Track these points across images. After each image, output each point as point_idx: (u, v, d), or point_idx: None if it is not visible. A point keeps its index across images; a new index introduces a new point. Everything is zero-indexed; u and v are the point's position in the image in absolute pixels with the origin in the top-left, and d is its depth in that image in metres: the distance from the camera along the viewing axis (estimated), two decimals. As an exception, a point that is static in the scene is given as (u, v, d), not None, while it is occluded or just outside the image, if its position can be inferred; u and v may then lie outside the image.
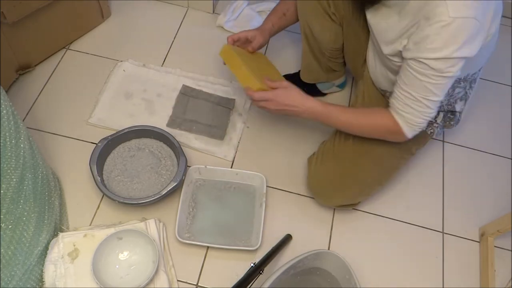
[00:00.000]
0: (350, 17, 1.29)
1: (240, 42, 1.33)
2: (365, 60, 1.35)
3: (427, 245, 1.39)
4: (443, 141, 1.60)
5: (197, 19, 1.78)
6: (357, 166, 1.28)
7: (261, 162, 1.46)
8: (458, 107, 1.24)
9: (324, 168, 1.32)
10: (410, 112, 1.08)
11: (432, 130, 1.27)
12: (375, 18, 1.16)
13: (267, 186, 1.38)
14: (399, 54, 1.08)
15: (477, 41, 0.97)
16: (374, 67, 1.27)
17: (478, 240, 1.41)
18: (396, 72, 1.13)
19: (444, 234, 1.42)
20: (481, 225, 1.43)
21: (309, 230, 1.37)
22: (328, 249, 1.34)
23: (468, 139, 1.61)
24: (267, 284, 1.07)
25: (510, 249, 1.41)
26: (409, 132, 1.12)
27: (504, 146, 1.61)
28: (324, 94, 1.63)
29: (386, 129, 1.14)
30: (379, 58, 1.22)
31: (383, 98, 1.31)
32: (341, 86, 1.63)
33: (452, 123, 1.28)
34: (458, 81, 1.14)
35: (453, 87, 1.16)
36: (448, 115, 1.27)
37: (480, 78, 1.74)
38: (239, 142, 1.50)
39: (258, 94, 1.16)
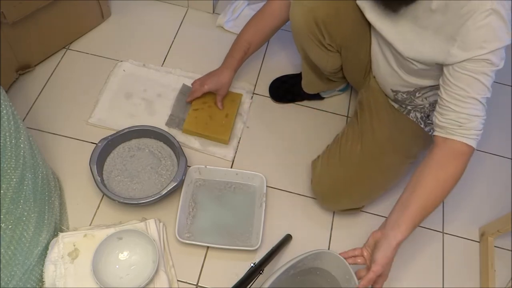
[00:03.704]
0: (348, 43, 1.25)
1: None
2: (366, 73, 1.35)
3: (427, 245, 1.39)
4: (443, 141, 1.59)
5: (197, 19, 1.78)
6: (364, 173, 1.27)
7: (261, 162, 1.46)
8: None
9: (329, 173, 1.31)
10: (471, 120, 0.99)
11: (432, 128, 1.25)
12: (396, 28, 1.11)
13: (267, 186, 1.38)
14: (433, 64, 1.05)
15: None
16: (379, 69, 1.26)
17: (478, 240, 1.41)
18: (412, 71, 1.13)
19: (444, 234, 1.42)
20: (481, 225, 1.43)
21: (309, 230, 1.37)
22: (328, 249, 1.34)
23: (468, 139, 1.60)
24: (267, 284, 1.06)
25: (510, 249, 1.41)
26: (474, 143, 1.01)
27: (504, 146, 1.61)
28: (323, 98, 1.62)
29: (452, 156, 1.04)
30: (395, 60, 1.18)
31: (390, 104, 1.31)
32: (343, 90, 1.63)
33: None
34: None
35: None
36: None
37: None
38: (239, 142, 1.50)
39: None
